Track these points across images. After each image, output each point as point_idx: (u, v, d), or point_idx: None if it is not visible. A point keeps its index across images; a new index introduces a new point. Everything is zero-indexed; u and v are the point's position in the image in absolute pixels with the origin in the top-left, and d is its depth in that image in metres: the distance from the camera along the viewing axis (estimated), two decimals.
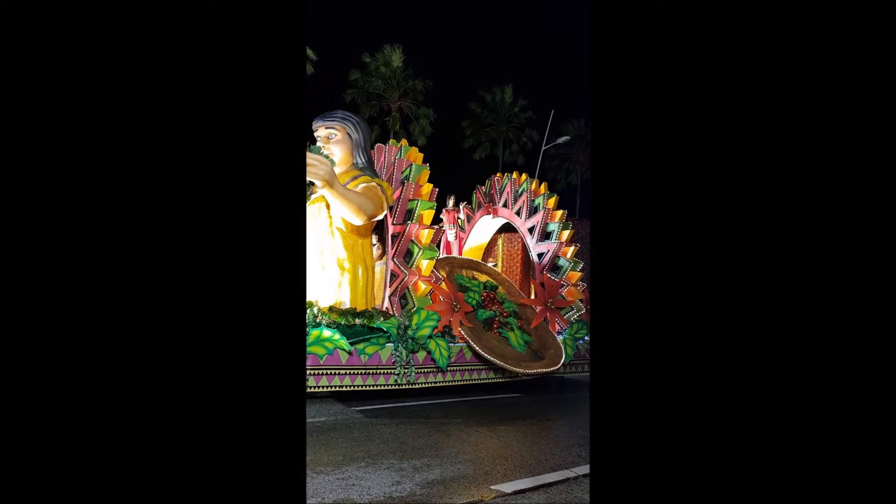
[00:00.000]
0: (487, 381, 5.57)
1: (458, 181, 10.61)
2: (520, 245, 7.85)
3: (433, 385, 5.15)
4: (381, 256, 5.87)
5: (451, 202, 8.46)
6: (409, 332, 4.96)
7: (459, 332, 5.37)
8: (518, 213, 7.34)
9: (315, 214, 5.31)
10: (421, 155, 5.93)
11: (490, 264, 7.71)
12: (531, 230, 7.14)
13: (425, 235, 5.43)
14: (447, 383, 5.24)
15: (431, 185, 5.74)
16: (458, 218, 8.29)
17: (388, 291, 5.43)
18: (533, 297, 6.72)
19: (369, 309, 5.04)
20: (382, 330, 4.83)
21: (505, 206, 7.54)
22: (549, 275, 6.76)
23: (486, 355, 5.34)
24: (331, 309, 4.79)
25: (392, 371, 4.81)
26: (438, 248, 7.17)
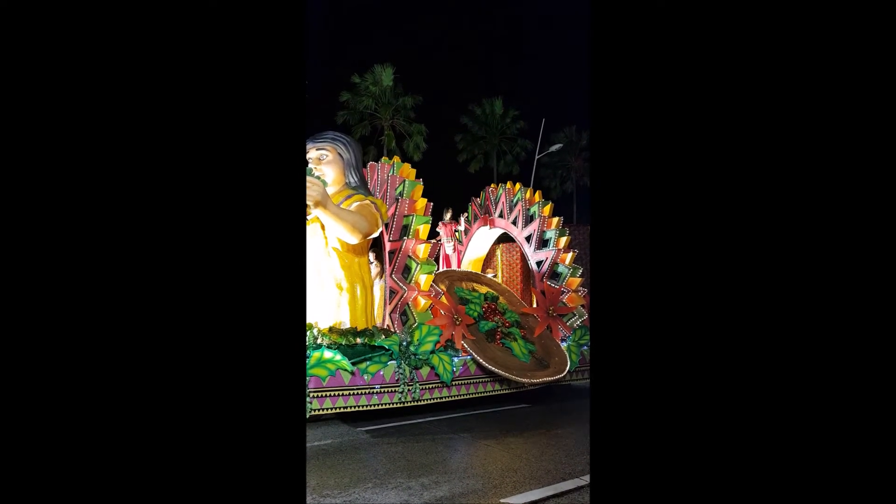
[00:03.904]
0: (493, 393, 5.52)
1: (455, 195, 10.64)
2: (518, 254, 7.85)
3: (439, 400, 5.09)
4: (379, 275, 5.85)
5: (447, 215, 8.47)
6: (412, 348, 4.93)
7: (462, 345, 5.33)
8: (514, 223, 7.34)
9: (310, 236, 5.30)
10: (414, 171, 5.94)
11: (490, 275, 7.69)
12: (528, 239, 7.13)
13: (422, 250, 5.42)
14: (453, 398, 5.19)
15: (426, 200, 5.74)
16: (456, 230, 8.29)
17: (388, 308, 5.40)
18: (534, 305, 6.69)
19: (370, 327, 5.01)
20: (384, 348, 4.79)
21: (501, 216, 7.54)
22: (549, 282, 6.73)
23: (490, 367, 5.29)
24: (331, 329, 4.76)
25: (396, 389, 4.77)
26: (437, 262, 7.16)
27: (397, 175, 5.81)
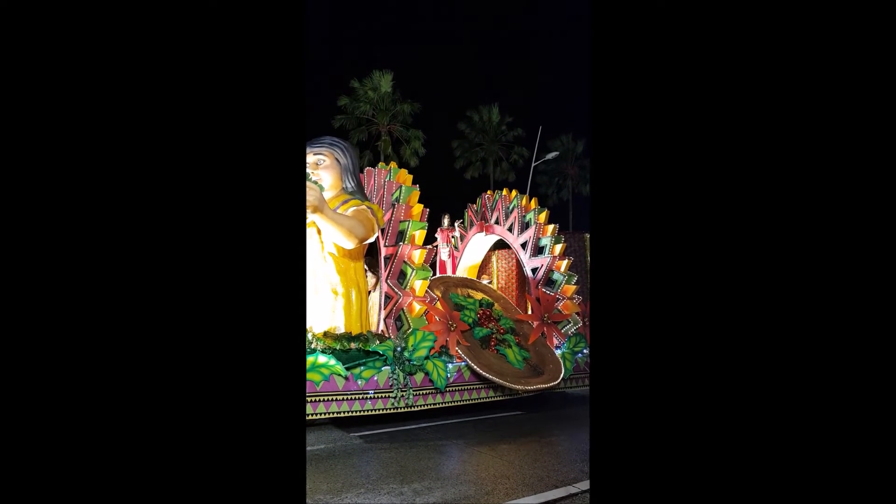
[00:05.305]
0: (487, 399, 5.51)
1: (452, 201, 10.65)
2: (514, 261, 7.86)
3: (432, 406, 5.08)
4: (375, 286, 5.85)
5: (445, 221, 8.48)
6: (406, 353, 4.92)
7: (456, 351, 5.33)
8: (510, 230, 7.36)
9: (307, 240, 5.30)
10: (410, 176, 5.96)
11: (485, 281, 7.70)
12: (524, 245, 7.15)
13: (418, 256, 5.43)
14: (446, 404, 5.18)
15: (422, 206, 5.76)
16: (452, 236, 8.30)
17: (384, 314, 5.40)
18: (529, 312, 6.70)
19: (364, 332, 5.00)
20: (379, 353, 4.79)
21: (497, 222, 7.56)
22: (544, 289, 6.74)
23: (484, 374, 5.29)
24: (325, 334, 4.76)
25: (390, 395, 4.76)
26: (433, 269, 7.17)
27: (394, 180, 5.83)
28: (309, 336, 4.62)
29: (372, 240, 5.41)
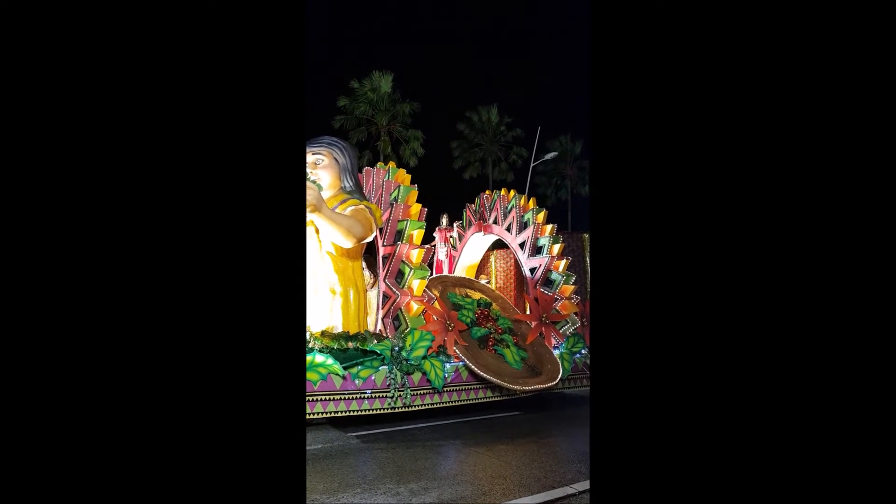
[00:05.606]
0: (484, 400, 5.51)
1: (451, 201, 10.65)
2: (513, 261, 7.86)
3: (430, 407, 5.08)
4: (373, 285, 5.85)
5: (444, 221, 8.49)
6: (404, 353, 4.92)
7: (454, 351, 5.32)
8: (508, 230, 7.36)
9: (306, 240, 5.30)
10: (409, 176, 5.96)
11: (483, 281, 7.70)
12: (522, 245, 7.15)
13: (416, 255, 5.43)
14: (444, 404, 5.18)
15: (420, 205, 5.76)
16: (450, 236, 8.30)
17: (381, 313, 5.40)
18: (527, 312, 6.70)
19: (362, 332, 5.00)
20: (376, 353, 4.78)
21: (495, 222, 7.57)
22: (542, 289, 6.74)
23: (482, 374, 5.29)
24: (323, 333, 4.75)
25: (387, 394, 4.76)
26: (430, 268, 7.17)
27: (392, 180, 5.82)
28: (307, 335, 4.61)
29: (370, 239, 5.40)
